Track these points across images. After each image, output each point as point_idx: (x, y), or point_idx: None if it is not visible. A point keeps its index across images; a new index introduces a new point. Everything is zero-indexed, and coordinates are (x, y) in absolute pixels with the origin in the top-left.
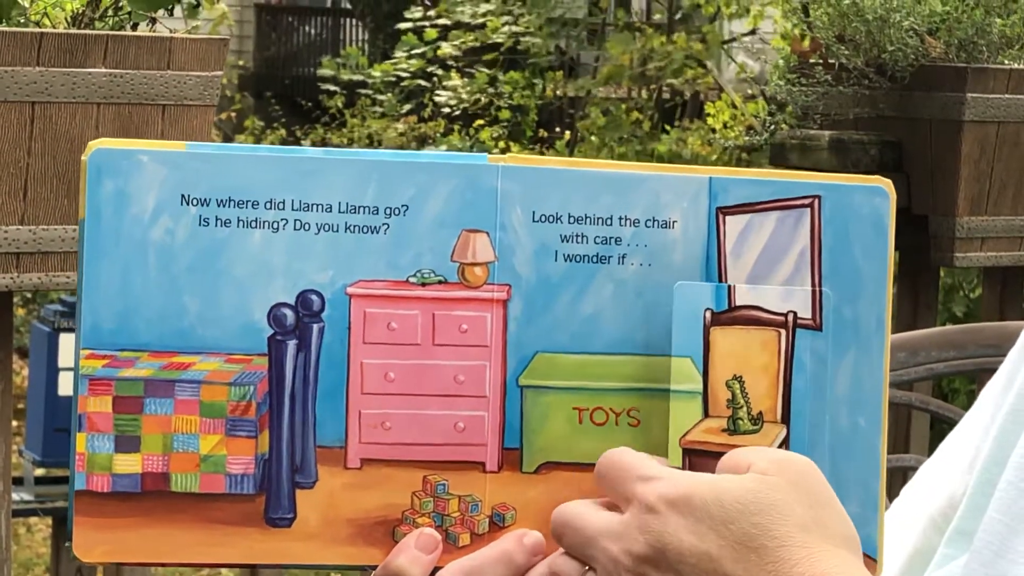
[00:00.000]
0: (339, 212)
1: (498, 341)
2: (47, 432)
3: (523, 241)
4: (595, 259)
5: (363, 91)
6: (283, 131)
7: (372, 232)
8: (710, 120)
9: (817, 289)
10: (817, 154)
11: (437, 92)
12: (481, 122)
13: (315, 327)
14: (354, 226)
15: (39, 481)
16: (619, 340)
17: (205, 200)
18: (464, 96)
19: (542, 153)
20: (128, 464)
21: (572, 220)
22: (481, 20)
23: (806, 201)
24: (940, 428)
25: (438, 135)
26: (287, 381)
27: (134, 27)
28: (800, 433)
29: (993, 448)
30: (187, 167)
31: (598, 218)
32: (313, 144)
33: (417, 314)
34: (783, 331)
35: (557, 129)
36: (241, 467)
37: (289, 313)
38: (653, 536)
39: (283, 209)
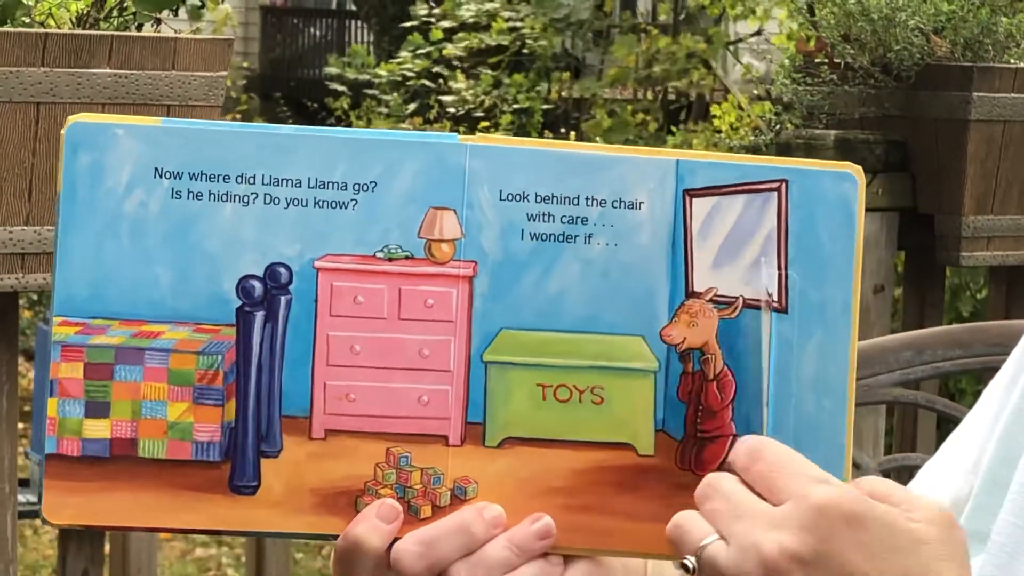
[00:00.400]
0: (309, 187)
1: (463, 317)
2: None
3: (490, 219)
4: (561, 238)
5: (369, 91)
6: None
7: (341, 207)
8: (716, 122)
9: (783, 272)
10: (823, 154)
11: (442, 94)
12: (486, 124)
13: (283, 299)
14: (323, 201)
15: None
16: (584, 319)
17: (178, 173)
18: (468, 98)
19: None
20: (97, 429)
21: (539, 199)
22: (486, 20)
23: (773, 185)
24: (947, 427)
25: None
26: (254, 351)
27: (139, 28)
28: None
29: (998, 448)
30: (161, 141)
31: (565, 198)
32: None
33: (383, 288)
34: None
35: (562, 130)
36: (207, 435)
37: (257, 285)
38: (819, 539)
39: (254, 183)
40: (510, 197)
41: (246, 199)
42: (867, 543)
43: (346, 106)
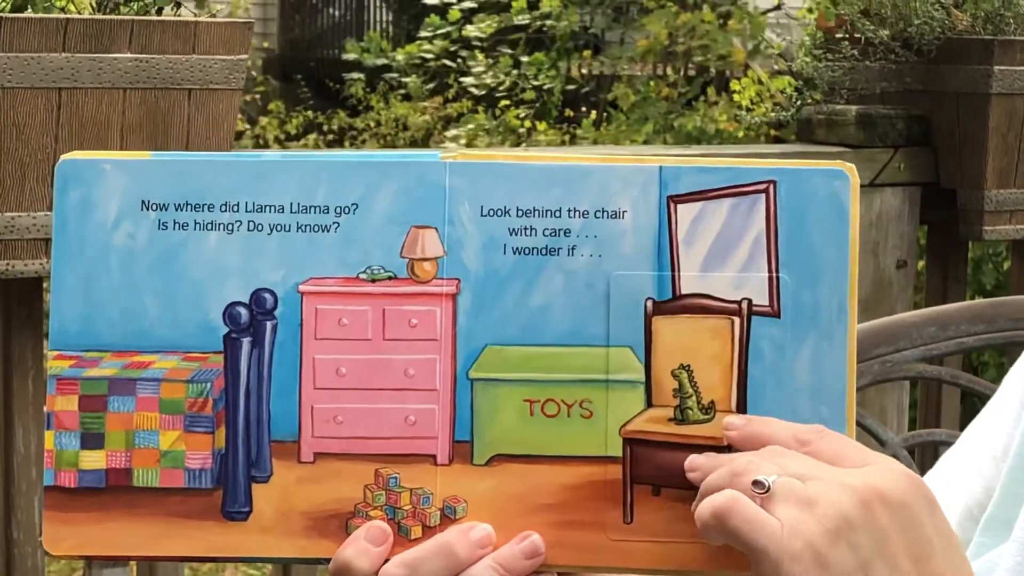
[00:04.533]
0: (291, 212)
1: (448, 335)
2: None
3: (471, 235)
4: (544, 251)
5: (388, 75)
6: (309, 112)
7: (323, 231)
8: (736, 97)
9: (774, 275)
10: (844, 129)
11: (462, 74)
12: (507, 102)
13: (268, 324)
14: (305, 225)
15: None
16: (570, 332)
17: (163, 205)
18: (488, 81)
19: (569, 133)
20: (93, 460)
21: (520, 213)
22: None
23: (760, 187)
24: (970, 402)
25: (466, 111)
26: (242, 378)
27: (159, 11)
28: None
29: None
30: (146, 174)
31: (547, 210)
32: (340, 128)
33: (367, 310)
34: (736, 318)
35: (583, 108)
36: (199, 462)
37: (243, 311)
38: (903, 491)
39: (237, 211)
40: (491, 212)
41: (230, 227)
42: (936, 517)
43: (362, 94)
